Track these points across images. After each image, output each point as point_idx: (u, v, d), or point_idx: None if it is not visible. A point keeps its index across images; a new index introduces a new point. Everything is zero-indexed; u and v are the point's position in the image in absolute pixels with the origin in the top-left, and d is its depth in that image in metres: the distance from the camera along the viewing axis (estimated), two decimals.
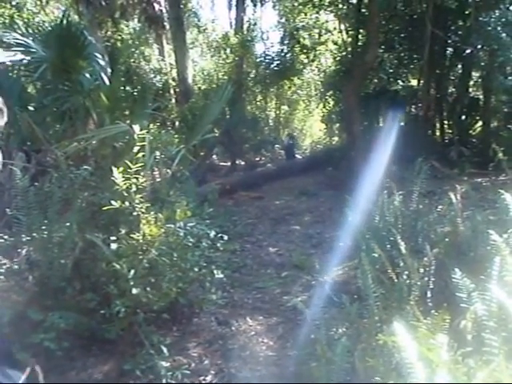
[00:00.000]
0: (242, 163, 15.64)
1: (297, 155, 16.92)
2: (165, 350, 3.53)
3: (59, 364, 3.53)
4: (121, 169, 3.64)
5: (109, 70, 5.59)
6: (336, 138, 18.66)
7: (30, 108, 5.77)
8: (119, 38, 16.19)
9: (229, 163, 15.78)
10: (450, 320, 2.45)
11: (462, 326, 2.49)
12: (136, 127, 3.90)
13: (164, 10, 17.18)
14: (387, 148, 12.20)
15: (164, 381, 3.34)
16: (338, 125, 17.67)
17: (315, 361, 3.07)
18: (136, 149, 3.94)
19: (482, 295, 2.48)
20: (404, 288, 3.22)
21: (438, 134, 14.52)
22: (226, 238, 4.36)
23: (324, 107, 17.94)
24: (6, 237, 5.00)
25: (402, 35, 14.19)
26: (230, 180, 12.10)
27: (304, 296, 4.85)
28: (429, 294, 3.44)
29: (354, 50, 14.07)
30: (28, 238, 4.31)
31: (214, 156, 16.36)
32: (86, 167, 4.60)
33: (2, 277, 4.05)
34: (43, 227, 4.22)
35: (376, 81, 15.28)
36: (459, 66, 14.31)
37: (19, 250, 4.58)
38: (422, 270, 3.48)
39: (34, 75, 5.34)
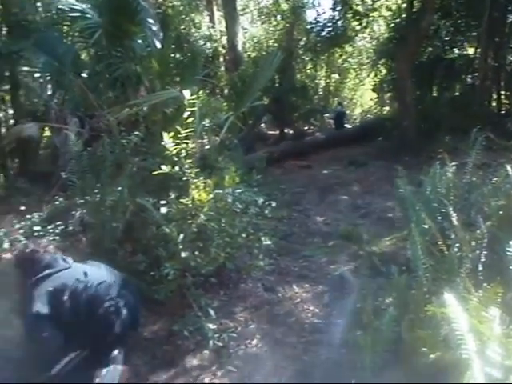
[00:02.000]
0: (291, 132, 15.52)
1: (346, 124, 16.65)
2: (212, 312, 3.59)
3: None
4: (171, 134, 3.68)
5: (161, 36, 5.61)
6: (387, 108, 18.20)
7: (84, 75, 5.87)
8: (170, 4, 16.15)
9: (277, 132, 15.69)
10: (503, 294, 2.39)
11: None
12: (186, 93, 3.90)
13: None
14: (440, 118, 11.89)
15: (211, 343, 3.42)
16: (389, 94, 17.21)
17: (361, 329, 3.07)
18: (186, 114, 3.95)
19: None
20: (455, 260, 3.15)
21: (494, 104, 13.95)
22: (274, 204, 4.36)
23: (375, 76, 17.47)
24: (60, 199, 5.19)
25: (460, 1, 13.55)
26: (279, 149, 12.04)
27: (351, 266, 4.82)
28: (480, 268, 3.35)
29: (409, 16, 13.53)
30: (81, 201, 4.46)
31: (263, 125, 16.31)
32: (136, 133, 4.68)
33: (58, 237, 4.20)
34: (96, 191, 4.34)
35: (431, 49, 14.72)
36: None
37: (73, 213, 4.74)
38: (473, 243, 3.38)
39: (88, 41, 5.41)
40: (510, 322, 2.19)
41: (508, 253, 2.60)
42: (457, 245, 3.33)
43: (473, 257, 3.23)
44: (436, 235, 3.38)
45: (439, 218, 4.15)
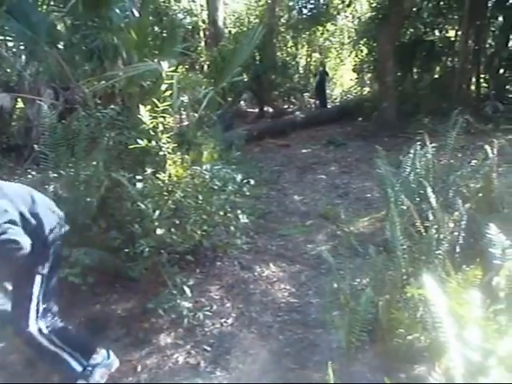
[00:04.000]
0: (270, 110, 15.42)
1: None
2: (187, 290, 3.53)
3: (84, 298, 3.60)
4: (148, 108, 3.57)
5: (138, 6, 5.44)
6: (367, 89, 18.18)
7: (59, 46, 5.68)
8: None
9: (256, 110, 15.59)
10: (482, 276, 2.38)
11: (495, 282, 2.41)
12: (165, 65, 3.79)
13: None
14: (420, 100, 11.93)
15: (186, 321, 3.37)
16: (369, 75, 17.19)
17: (338, 309, 3.05)
18: (164, 88, 3.85)
19: None
20: (433, 242, 3.13)
21: (473, 87, 14.01)
22: (252, 182, 4.30)
23: (356, 56, 17.40)
24: (33, 173, 5.04)
25: None
26: (258, 127, 11.96)
27: (328, 245, 4.81)
28: (458, 250, 3.36)
29: None
30: (55, 175, 4.33)
31: (242, 102, 16.18)
32: (112, 107, 4.55)
33: None
34: (70, 164, 4.22)
35: (412, 30, 14.68)
36: (500, 18, 13.60)
37: (46, 187, 4.61)
38: (451, 225, 3.38)
39: (63, 10, 5.22)
40: (490, 304, 2.18)
41: (488, 235, 2.58)
42: (435, 226, 3.31)
43: (451, 239, 3.23)
44: (414, 216, 3.36)
45: (418, 199, 4.15)
